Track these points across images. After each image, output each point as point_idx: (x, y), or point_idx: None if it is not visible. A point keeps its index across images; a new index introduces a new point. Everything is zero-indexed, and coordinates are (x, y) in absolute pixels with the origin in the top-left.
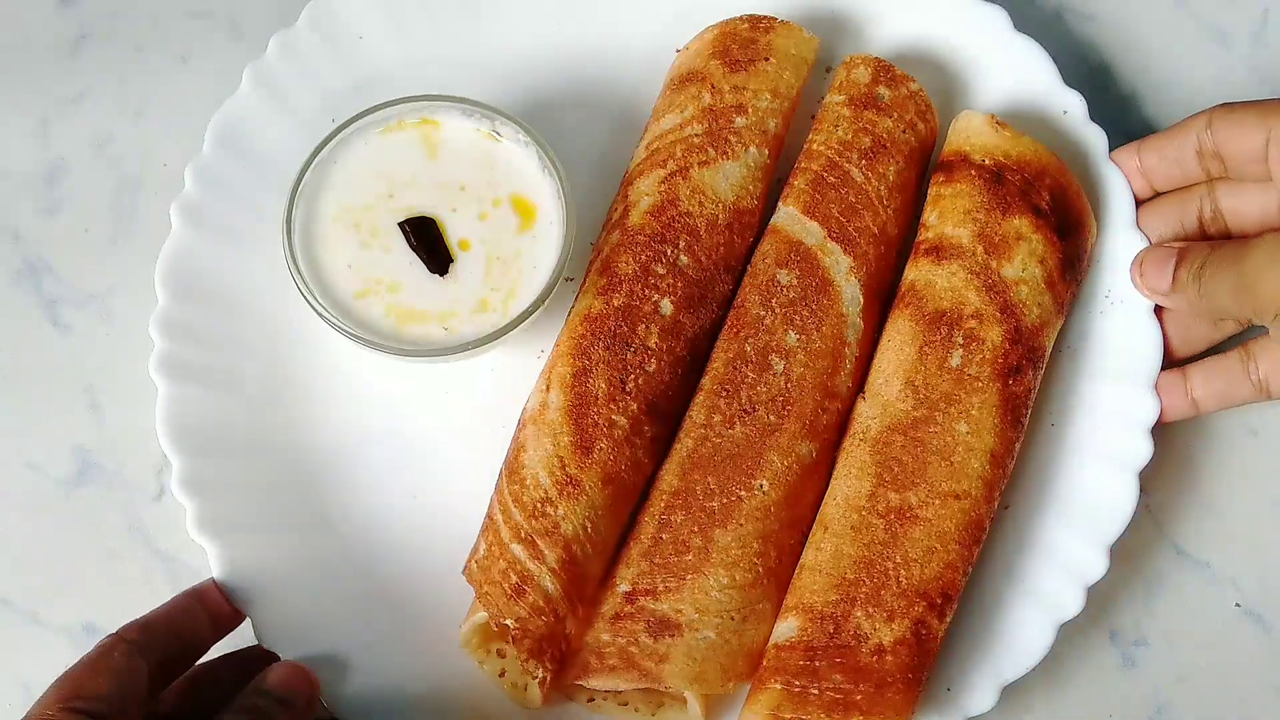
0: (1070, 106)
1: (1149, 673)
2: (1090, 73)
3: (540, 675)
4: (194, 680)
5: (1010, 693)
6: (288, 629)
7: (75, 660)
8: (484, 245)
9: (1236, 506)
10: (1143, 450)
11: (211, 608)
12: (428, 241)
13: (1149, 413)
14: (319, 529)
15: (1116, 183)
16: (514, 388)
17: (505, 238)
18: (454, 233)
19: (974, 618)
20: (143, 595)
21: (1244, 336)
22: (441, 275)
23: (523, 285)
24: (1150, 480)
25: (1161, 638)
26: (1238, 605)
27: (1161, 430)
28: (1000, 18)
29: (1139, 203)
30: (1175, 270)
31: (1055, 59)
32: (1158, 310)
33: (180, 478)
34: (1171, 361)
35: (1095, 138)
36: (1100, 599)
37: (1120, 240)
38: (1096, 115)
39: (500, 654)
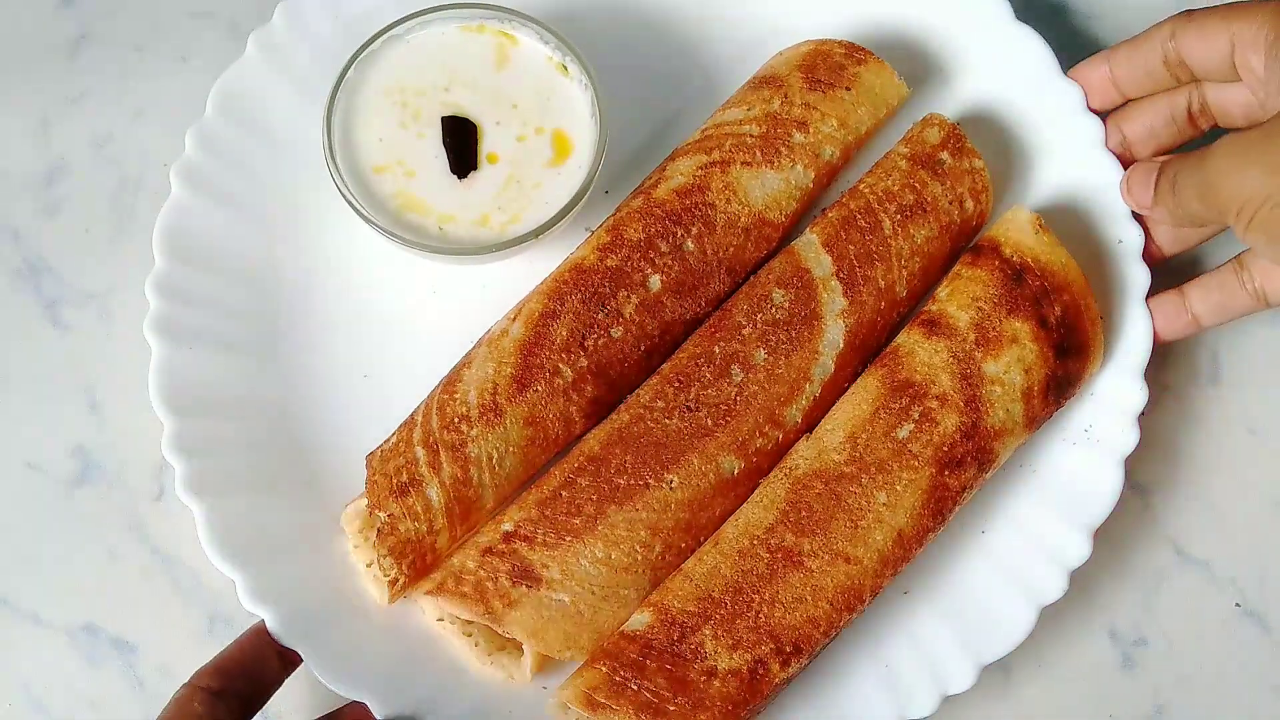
0: (1127, 238)
1: (1149, 673)
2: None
3: (393, 575)
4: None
5: (1010, 692)
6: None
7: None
8: (510, 165)
9: (1236, 506)
10: (1055, 587)
11: (277, 644)
12: (460, 142)
13: (1078, 556)
14: (264, 358)
15: (1141, 328)
16: (498, 308)
17: (533, 166)
18: (488, 144)
19: (820, 680)
20: (143, 595)
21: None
22: (460, 178)
23: (528, 214)
24: (1150, 479)
25: (1161, 638)
26: (1238, 605)
27: (1161, 428)
28: (1096, 130)
29: (1111, 111)
30: (1156, 183)
31: (1055, 54)
32: (1126, 463)
33: (156, 278)
34: (1159, 259)
35: (1139, 276)
36: (1100, 599)
37: (1123, 384)
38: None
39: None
